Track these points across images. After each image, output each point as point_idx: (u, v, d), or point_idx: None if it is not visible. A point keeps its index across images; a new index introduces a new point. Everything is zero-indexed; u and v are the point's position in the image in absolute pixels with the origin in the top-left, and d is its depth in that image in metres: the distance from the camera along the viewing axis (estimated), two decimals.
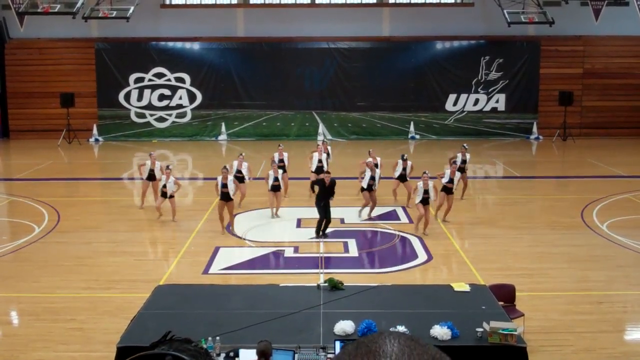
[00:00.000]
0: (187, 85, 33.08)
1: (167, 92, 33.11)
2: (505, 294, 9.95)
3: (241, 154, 19.16)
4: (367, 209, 17.47)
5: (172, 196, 17.00)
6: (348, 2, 33.33)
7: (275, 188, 17.48)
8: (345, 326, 8.09)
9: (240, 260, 14.22)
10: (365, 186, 17.18)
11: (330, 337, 7.94)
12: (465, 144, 20.54)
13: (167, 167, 17.41)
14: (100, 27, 32.20)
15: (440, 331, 7.94)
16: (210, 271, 13.44)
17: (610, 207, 18.50)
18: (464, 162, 19.40)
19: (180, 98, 33.19)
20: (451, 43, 32.96)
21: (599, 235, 15.82)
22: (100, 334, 10.19)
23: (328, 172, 16.46)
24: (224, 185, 15.81)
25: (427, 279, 12.80)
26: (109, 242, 15.46)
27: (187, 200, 19.55)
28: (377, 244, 15.43)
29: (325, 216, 15.73)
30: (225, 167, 16.32)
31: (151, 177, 18.42)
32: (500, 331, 7.79)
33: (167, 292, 9.76)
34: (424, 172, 16.16)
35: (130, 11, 28.69)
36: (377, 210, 18.05)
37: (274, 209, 17.65)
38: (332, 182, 15.88)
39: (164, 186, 16.96)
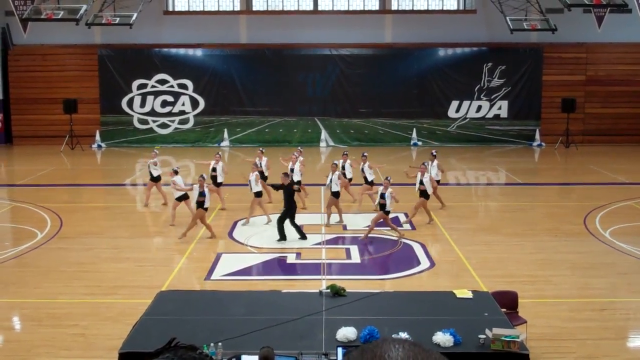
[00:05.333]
0: (190, 91, 33.15)
1: (169, 98, 33.19)
2: (507, 301, 9.93)
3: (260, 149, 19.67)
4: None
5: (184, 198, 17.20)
6: (351, 8, 33.41)
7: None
8: (347, 332, 8.08)
9: (242, 267, 14.21)
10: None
11: (332, 343, 7.93)
12: (434, 151, 20.23)
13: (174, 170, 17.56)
14: (103, 33, 32.30)
15: (443, 338, 7.93)
16: (213, 277, 13.43)
17: (612, 214, 18.48)
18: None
19: (183, 104, 33.27)
20: (454, 50, 33.02)
21: (602, 242, 15.79)
22: (102, 339, 10.19)
23: (285, 174, 16.47)
24: (201, 194, 15.83)
25: (429, 286, 12.78)
26: (111, 248, 15.46)
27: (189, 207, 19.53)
28: (379, 251, 15.41)
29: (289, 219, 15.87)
30: (201, 176, 16.25)
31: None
32: (503, 338, 7.78)
33: (169, 298, 9.76)
34: (386, 178, 16.17)
35: (134, 18, 28.79)
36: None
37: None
38: (290, 185, 15.94)
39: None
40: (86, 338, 10.37)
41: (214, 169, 19.19)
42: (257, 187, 17.38)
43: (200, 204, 15.86)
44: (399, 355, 1.35)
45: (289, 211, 15.83)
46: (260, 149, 20.45)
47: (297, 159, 19.45)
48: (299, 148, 20.06)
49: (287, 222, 15.77)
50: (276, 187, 16.37)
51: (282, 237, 15.80)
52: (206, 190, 15.89)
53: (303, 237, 15.89)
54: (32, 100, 32.82)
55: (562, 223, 17.61)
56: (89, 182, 24.86)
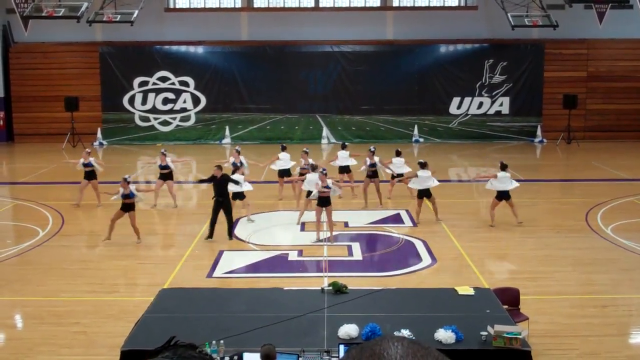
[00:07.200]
0: (191, 89, 33.14)
1: (171, 95, 33.17)
2: (509, 298, 9.93)
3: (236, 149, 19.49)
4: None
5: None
6: (352, 5, 33.39)
7: None
8: (349, 330, 8.08)
9: (244, 264, 14.22)
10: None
11: (334, 340, 7.93)
12: (372, 147, 19.83)
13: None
14: (104, 31, 32.29)
15: (445, 335, 7.92)
16: (214, 275, 13.44)
17: (614, 210, 18.47)
18: (373, 165, 18.92)
19: (185, 102, 33.25)
20: (455, 46, 32.97)
21: (604, 238, 15.78)
22: (104, 337, 10.19)
23: (219, 167, 16.19)
24: (126, 197, 15.49)
25: (431, 283, 12.78)
26: (113, 246, 15.46)
27: (190, 204, 19.58)
28: (381, 248, 15.41)
29: (225, 215, 15.74)
30: (125, 179, 15.73)
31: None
32: (505, 335, 7.78)
33: (171, 296, 9.76)
34: (322, 170, 15.90)
35: (135, 15, 28.77)
36: (381, 214, 18.11)
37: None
38: (223, 178, 15.88)
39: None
40: (88, 336, 10.38)
41: (164, 167, 19.07)
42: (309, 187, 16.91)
43: (125, 205, 15.56)
44: (397, 352, 1.35)
45: (222, 204, 15.80)
46: (305, 149, 20.14)
47: (239, 157, 19.25)
48: (237, 148, 20.02)
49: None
50: (207, 180, 16.35)
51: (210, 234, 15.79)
52: (133, 190, 15.53)
53: (210, 236, 15.75)
54: (34, 98, 32.81)
55: (564, 219, 17.59)
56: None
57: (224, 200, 15.75)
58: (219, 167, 16.13)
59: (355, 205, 18.96)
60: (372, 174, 18.79)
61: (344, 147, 20.93)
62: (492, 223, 16.89)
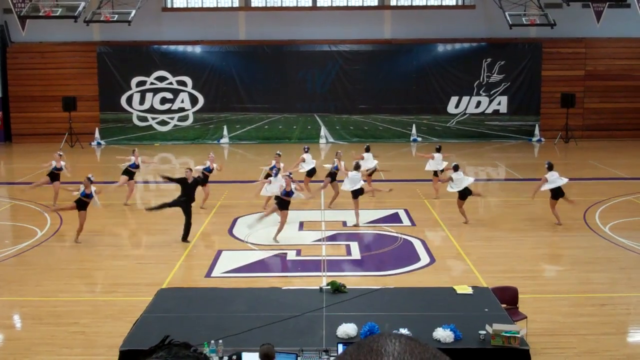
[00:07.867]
0: (189, 88, 33.12)
1: (169, 95, 33.16)
2: (508, 297, 9.93)
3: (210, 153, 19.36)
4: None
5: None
6: (349, 4, 33.38)
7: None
8: (348, 329, 8.08)
9: (242, 264, 14.20)
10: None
11: (333, 340, 7.93)
12: (339, 151, 20.49)
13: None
14: (102, 30, 32.27)
15: (443, 334, 7.93)
16: (213, 274, 13.43)
17: (612, 209, 18.48)
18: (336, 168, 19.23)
19: (182, 101, 33.24)
20: (453, 45, 32.98)
21: (602, 237, 15.79)
22: (103, 337, 10.19)
23: (190, 169, 16.42)
24: (86, 196, 15.63)
25: (429, 282, 12.77)
26: (111, 246, 15.46)
27: None
28: (379, 247, 15.41)
29: (186, 218, 15.76)
30: (88, 178, 15.92)
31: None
32: (503, 334, 7.78)
33: (170, 296, 9.76)
34: (288, 174, 16.22)
35: (132, 15, 28.75)
36: (380, 213, 18.09)
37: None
38: (195, 181, 16.09)
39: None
40: (87, 336, 10.37)
41: (137, 166, 19.93)
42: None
43: (82, 203, 15.64)
44: (395, 349, 1.35)
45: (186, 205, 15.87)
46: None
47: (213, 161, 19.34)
48: (210, 154, 20.06)
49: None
50: (175, 180, 16.42)
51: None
52: (93, 192, 15.72)
53: (185, 238, 15.76)
54: (31, 98, 32.79)
55: (562, 218, 17.55)
56: None
57: (188, 202, 15.81)
58: (191, 170, 16.40)
59: (353, 205, 18.92)
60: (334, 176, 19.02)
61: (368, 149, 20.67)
62: (559, 221, 16.80)
